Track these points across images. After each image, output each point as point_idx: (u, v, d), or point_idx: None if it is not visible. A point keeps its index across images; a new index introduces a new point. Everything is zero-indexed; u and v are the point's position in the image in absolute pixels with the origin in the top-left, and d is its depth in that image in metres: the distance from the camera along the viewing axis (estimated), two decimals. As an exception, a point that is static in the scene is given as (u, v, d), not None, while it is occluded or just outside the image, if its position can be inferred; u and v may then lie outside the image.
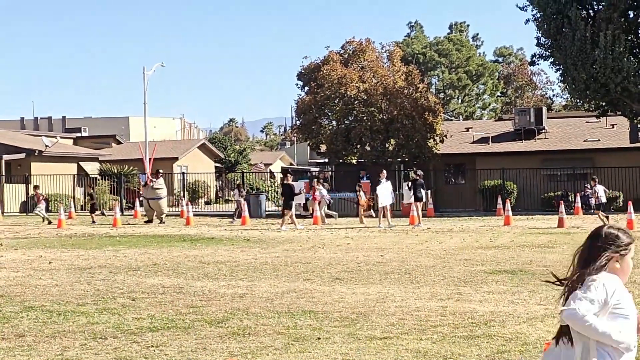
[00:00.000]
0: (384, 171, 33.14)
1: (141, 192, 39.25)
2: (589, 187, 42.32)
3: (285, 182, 32.30)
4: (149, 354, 9.13)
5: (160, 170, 37.94)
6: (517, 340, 9.46)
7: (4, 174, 49.03)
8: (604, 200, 31.12)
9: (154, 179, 35.83)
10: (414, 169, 33.70)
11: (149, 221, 35.26)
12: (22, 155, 49.86)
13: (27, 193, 48.44)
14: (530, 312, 11.31)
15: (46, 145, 51.32)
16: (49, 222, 35.25)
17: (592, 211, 31.35)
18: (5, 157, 49.26)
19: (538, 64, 46.91)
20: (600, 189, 31.17)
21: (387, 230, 29.23)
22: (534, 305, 11.85)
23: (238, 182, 39.81)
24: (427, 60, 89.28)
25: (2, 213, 41.67)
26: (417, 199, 31.37)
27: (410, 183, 32.31)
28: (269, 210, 44.24)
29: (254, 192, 45.59)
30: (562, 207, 30.36)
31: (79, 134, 71.18)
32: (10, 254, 21.22)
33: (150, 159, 40.12)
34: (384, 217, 31.02)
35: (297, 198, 32.83)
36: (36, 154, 50.08)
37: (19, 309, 12.13)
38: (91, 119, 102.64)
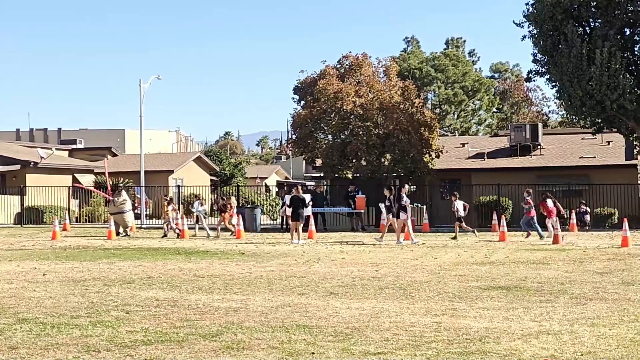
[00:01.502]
0: (406, 186, 32.90)
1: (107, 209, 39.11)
2: (584, 203, 42.48)
3: (294, 194, 32.30)
4: (142, 367, 9.10)
5: (120, 185, 38.03)
6: (511, 357, 9.44)
7: (-1, 185, 49.01)
8: (462, 214, 33.31)
9: (116, 196, 35.83)
10: (389, 185, 33.66)
11: (118, 233, 35.21)
12: (17, 167, 49.84)
13: (22, 204, 48.38)
14: (524, 328, 11.29)
15: (41, 157, 51.29)
16: None
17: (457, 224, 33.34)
18: (1, 168, 49.25)
19: (534, 80, 47.10)
20: (459, 204, 33.46)
21: (405, 244, 29.10)
22: (528, 322, 11.83)
23: (170, 195, 39.59)
24: (423, 75, 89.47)
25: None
26: (393, 214, 31.46)
27: (387, 200, 32.18)
28: (264, 224, 44.20)
29: (249, 206, 45.59)
30: (558, 224, 30.36)
31: (74, 146, 71.20)
32: (4, 266, 21.17)
33: (104, 173, 40.33)
34: (403, 232, 30.64)
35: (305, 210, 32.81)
36: (31, 165, 50.07)
37: (12, 321, 12.09)
38: (87, 130, 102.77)
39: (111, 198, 36.13)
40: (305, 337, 10.71)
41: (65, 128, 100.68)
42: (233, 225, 34.91)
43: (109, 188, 38.06)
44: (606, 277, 17.87)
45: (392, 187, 32.67)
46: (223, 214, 35.49)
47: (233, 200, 37.06)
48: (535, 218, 32.49)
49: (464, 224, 33.33)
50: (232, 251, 26.24)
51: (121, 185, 37.91)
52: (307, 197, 34.50)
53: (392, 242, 29.89)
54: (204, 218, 35.58)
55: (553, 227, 30.81)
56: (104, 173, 55.01)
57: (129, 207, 35.95)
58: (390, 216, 31.18)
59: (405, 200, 30.42)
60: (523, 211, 33.38)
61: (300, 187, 34.36)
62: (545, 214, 32.15)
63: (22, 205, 48.48)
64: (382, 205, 32.42)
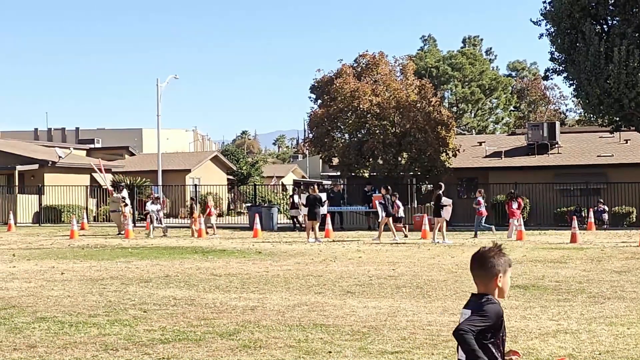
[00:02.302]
0: (443, 186, 32.98)
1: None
2: (602, 201, 42.28)
3: (311, 193, 32.31)
4: (160, 366, 9.13)
5: (122, 184, 38.14)
6: (529, 356, 9.41)
7: (17, 184, 49.21)
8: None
9: (115, 192, 36.10)
10: (385, 185, 33.90)
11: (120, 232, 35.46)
12: (36, 166, 50.03)
13: (40, 204, 48.59)
14: (542, 327, 11.25)
15: (59, 156, 51.48)
16: None
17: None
18: (19, 167, 49.44)
19: (551, 79, 46.88)
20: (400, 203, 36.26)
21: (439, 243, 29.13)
22: (546, 321, 11.79)
23: (152, 194, 39.88)
24: (440, 74, 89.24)
25: (15, 224, 41.79)
26: (388, 214, 31.65)
27: (383, 199, 32.33)
28: (280, 223, 44.23)
29: (266, 205, 45.62)
30: (575, 223, 30.27)
31: (92, 145, 71.47)
32: (23, 265, 21.27)
33: (100, 169, 40.67)
34: (439, 231, 30.72)
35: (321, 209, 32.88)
36: (49, 164, 50.25)
37: (31, 320, 12.15)
38: (104, 130, 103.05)
39: (113, 193, 36.44)
40: (322, 336, 10.72)
41: (83, 127, 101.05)
42: (211, 226, 35.22)
43: (109, 187, 38.35)
44: (624, 276, 17.80)
45: (389, 187, 32.89)
46: (193, 216, 35.70)
47: (210, 200, 37.06)
48: (484, 218, 33.62)
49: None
50: (249, 250, 26.28)
51: (123, 183, 37.95)
52: (324, 196, 34.52)
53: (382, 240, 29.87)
54: (156, 218, 35.72)
55: (516, 226, 31.92)
56: (111, 172, 55.28)
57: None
58: (385, 215, 31.40)
59: (445, 200, 30.65)
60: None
61: (316, 186, 34.39)
62: (508, 213, 33.03)
63: (40, 204, 48.67)
64: (377, 204, 32.74)
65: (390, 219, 31.81)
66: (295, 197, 41.82)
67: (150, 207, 36.13)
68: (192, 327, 11.44)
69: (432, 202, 32.01)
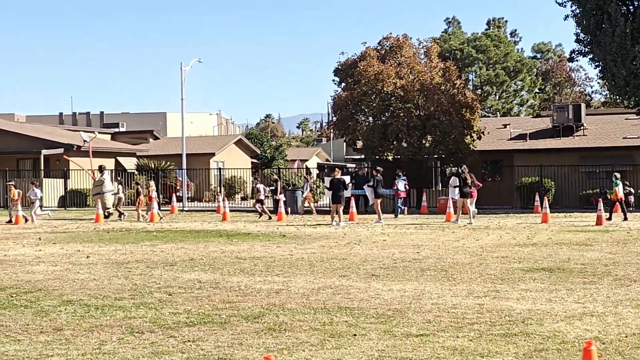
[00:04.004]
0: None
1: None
2: (628, 184, 41.97)
3: (334, 176, 32.33)
4: (185, 348, 9.16)
5: (104, 165, 38.13)
6: (554, 339, 9.37)
7: (42, 168, 49.50)
8: (262, 197, 36.58)
9: (98, 175, 36.16)
10: (376, 167, 33.94)
11: (107, 216, 35.38)
12: (61, 150, 50.27)
13: (66, 188, 48.88)
14: (568, 310, 11.20)
15: (84, 140, 51.68)
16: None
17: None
18: (44, 151, 49.72)
19: (577, 60, 46.65)
20: (260, 187, 36.75)
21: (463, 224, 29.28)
22: (572, 304, 11.74)
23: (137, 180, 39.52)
24: (464, 56, 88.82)
25: (41, 207, 42.05)
26: (378, 195, 31.75)
27: (372, 181, 32.42)
28: (305, 207, 44.23)
29: (290, 188, 45.62)
30: (601, 205, 30.08)
31: (116, 129, 71.72)
32: (49, 248, 21.42)
33: (89, 151, 41.02)
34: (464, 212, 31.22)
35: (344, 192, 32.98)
36: (74, 149, 50.48)
37: (57, 303, 12.23)
38: (129, 114, 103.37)
39: (94, 177, 36.58)
40: (347, 318, 10.71)
41: (107, 112, 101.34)
42: (152, 213, 34.66)
43: (91, 170, 38.47)
44: (651, 258, 17.69)
45: (379, 168, 33.18)
46: (138, 198, 35.60)
47: (152, 185, 36.62)
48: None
49: (264, 206, 35.87)
50: (274, 233, 26.32)
51: (104, 165, 37.98)
52: (347, 179, 34.52)
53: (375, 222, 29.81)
54: (38, 204, 35.48)
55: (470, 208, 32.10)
56: (135, 155, 55.34)
57: (108, 188, 36.08)
58: (374, 196, 31.71)
59: (452, 180, 31.02)
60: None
61: (338, 169, 34.37)
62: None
63: (65, 188, 48.97)
64: (366, 187, 32.98)
65: (379, 200, 32.05)
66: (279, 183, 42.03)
67: (34, 193, 35.54)
68: (217, 310, 11.48)
69: (454, 183, 32.02)
